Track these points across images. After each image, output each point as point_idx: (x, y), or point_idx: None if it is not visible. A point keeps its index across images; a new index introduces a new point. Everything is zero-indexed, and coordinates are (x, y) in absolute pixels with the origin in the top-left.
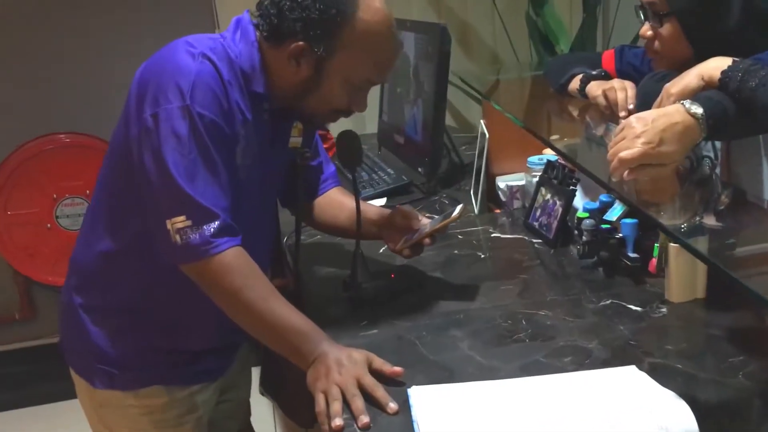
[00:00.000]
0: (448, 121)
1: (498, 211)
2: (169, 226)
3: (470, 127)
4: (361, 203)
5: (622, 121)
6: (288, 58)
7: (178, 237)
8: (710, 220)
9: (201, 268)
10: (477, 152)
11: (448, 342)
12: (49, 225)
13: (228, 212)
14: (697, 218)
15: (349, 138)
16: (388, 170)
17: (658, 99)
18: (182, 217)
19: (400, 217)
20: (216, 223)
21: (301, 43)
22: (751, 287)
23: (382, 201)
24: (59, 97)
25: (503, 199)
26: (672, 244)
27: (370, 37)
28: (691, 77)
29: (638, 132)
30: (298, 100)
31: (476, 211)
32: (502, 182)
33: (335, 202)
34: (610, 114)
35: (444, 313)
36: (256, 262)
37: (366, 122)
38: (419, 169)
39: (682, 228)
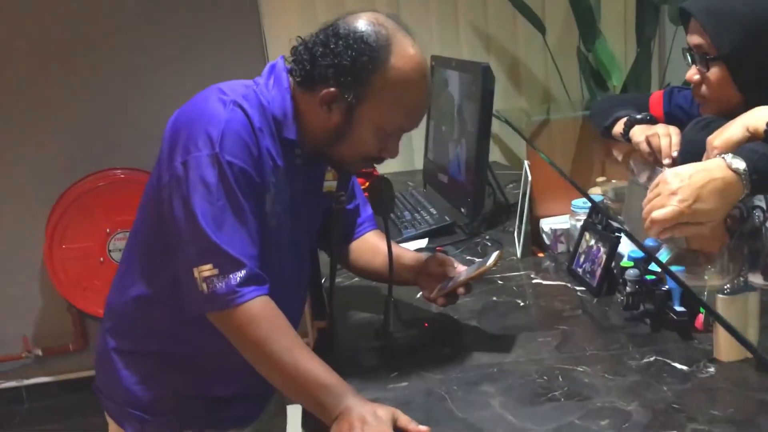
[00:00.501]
0: (496, 156)
1: (542, 254)
2: (196, 275)
3: (519, 162)
4: (398, 248)
5: (659, 175)
6: (319, 104)
7: (204, 285)
8: (757, 278)
9: (226, 317)
10: (521, 193)
11: (480, 398)
12: (102, 259)
13: (255, 261)
14: (741, 278)
15: (381, 185)
16: (431, 210)
17: (706, 152)
18: (209, 266)
19: (435, 264)
20: (243, 272)
21: (332, 89)
22: None
23: (424, 242)
24: (115, 133)
25: (547, 242)
26: (720, 296)
27: (402, 84)
28: (735, 128)
29: (673, 189)
30: (329, 146)
31: (519, 254)
32: (546, 225)
33: (371, 246)
34: (654, 160)
35: (477, 366)
36: (289, 309)
37: (414, 158)
38: (462, 210)
39: (726, 289)
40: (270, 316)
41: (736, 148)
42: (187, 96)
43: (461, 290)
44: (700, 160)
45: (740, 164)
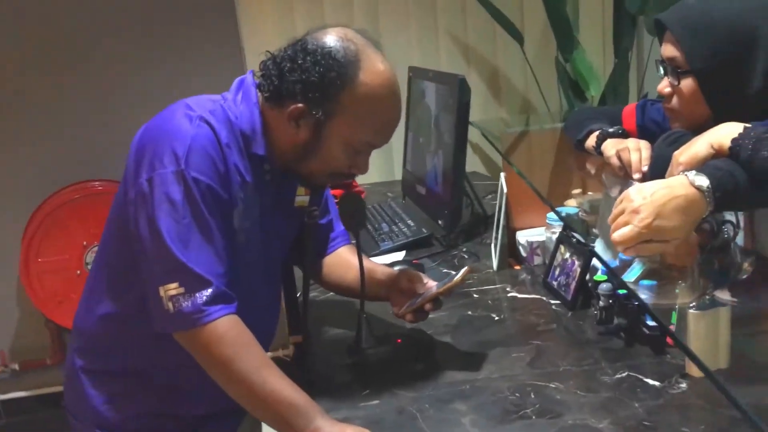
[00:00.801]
0: (476, 166)
1: (518, 267)
2: (162, 293)
3: (498, 172)
4: (370, 263)
5: (624, 192)
6: (287, 120)
7: (170, 304)
8: (724, 294)
9: (192, 336)
10: (497, 206)
11: (451, 417)
12: (78, 272)
13: (223, 278)
14: (707, 296)
15: (351, 201)
16: (409, 222)
17: (670, 167)
18: (175, 284)
19: (405, 280)
20: (209, 290)
21: (300, 105)
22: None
23: (401, 254)
24: (92, 145)
25: (524, 254)
26: (691, 311)
27: (371, 100)
28: (700, 145)
29: (635, 206)
30: (298, 162)
31: (495, 267)
32: (522, 237)
33: (343, 261)
34: (625, 175)
35: (450, 383)
36: (260, 326)
37: (394, 168)
38: (439, 222)
39: (693, 305)
40: (237, 334)
41: (701, 165)
42: (161, 105)
43: (429, 306)
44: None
45: (703, 181)
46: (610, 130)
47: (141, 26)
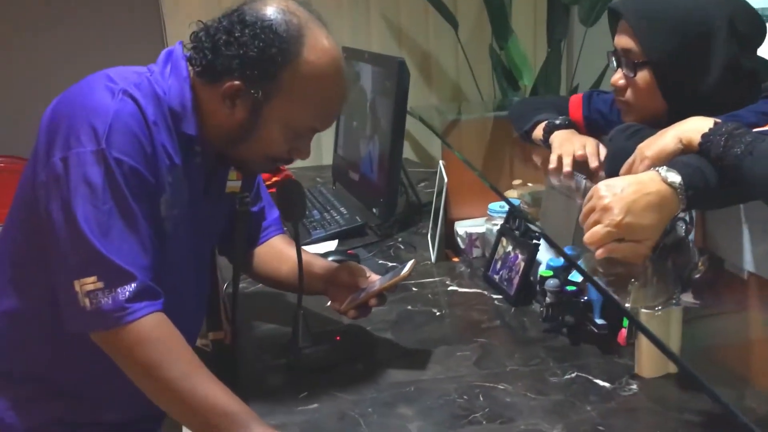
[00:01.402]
0: (408, 153)
1: (456, 259)
2: (77, 288)
3: (431, 160)
4: (307, 255)
5: (593, 187)
6: (222, 99)
7: (87, 301)
8: (687, 296)
9: (112, 337)
10: (435, 194)
11: (396, 422)
12: None
13: (148, 272)
14: (674, 300)
15: (290, 188)
16: (342, 209)
17: (630, 160)
18: (93, 278)
19: (346, 273)
20: (132, 285)
21: (236, 82)
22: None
23: (334, 243)
24: (21, 119)
25: (462, 246)
26: (644, 310)
27: (315, 81)
28: (667, 139)
29: (605, 203)
30: (232, 145)
31: (433, 258)
32: (461, 228)
33: (277, 252)
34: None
35: (393, 384)
36: (187, 322)
37: (323, 153)
38: (374, 210)
39: (657, 310)
40: (164, 335)
41: (668, 161)
42: (74, 76)
43: (373, 301)
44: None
45: (675, 177)
46: (557, 121)
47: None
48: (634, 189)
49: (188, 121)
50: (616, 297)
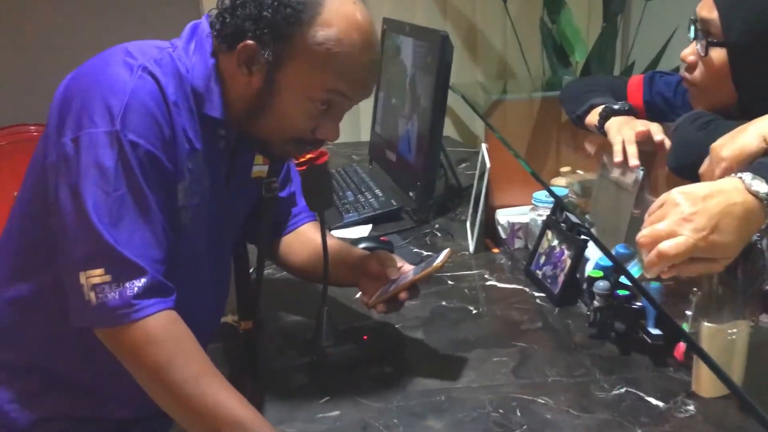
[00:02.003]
0: (449, 131)
1: (496, 250)
2: (82, 280)
3: (473, 139)
4: (336, 242)
5: (663, 194)
6: (238, 64)
7: (92, 295)
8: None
9: (118, 335)
10: (476, 178)
11: None
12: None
13: (160, 266)
14: (746, 316)
15: (316, 175)
16: (377, 191)
17: (706, 162)
18: (100, 271)
19: (376, 263)
20: (142, 279)
21: (250, 42)
22: None
23: (367, 228)
24: (28, 85)
25: (503, 236)
26: (706, 323)
27: (332, 44)
28: (748, 138)
29: (686, 214)
30: (251, 120)
31: (471, 249)
32: (502, 217)
33: (306, 240)
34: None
35: (422, 391)
36: (202, 318)
37: (361, 129)
38: (410, 194)
39: (722, 326)
40: (174, 335)
41: (749, 163)
42: (109, 46)
43: (404, 295)
44: (697, 165)
45: (762, 187)
46: (616, 106)
47: None
48: (718, 200)
49: (212, 102)
50: (665, 312)
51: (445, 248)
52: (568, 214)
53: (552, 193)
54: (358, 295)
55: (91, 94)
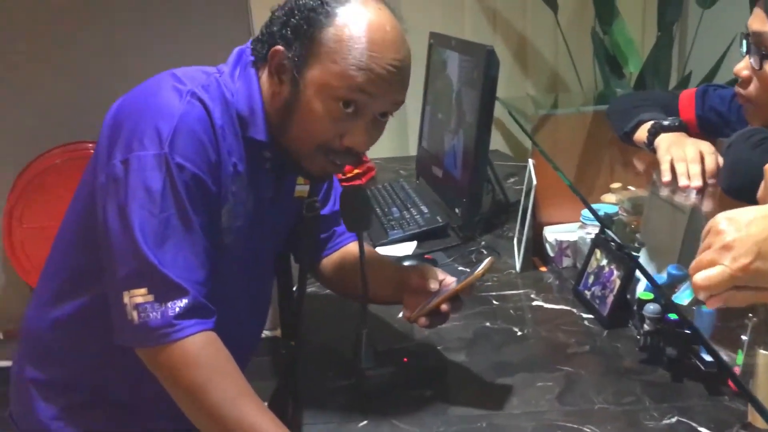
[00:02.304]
0: (497, 143)
1: (544, 269)
2: (126, 300)
3: (523, 152)
4: (377, 258)
5: (710, 220)
6: (270, 74)
7: (135, 314)
8: None
9: (158, 355)
10: (523, 195)
11: None
12: None
13: (202, 287)
14: None
15: (353, 197)
16: (422, 208)
17: (762, 186)
18: (143, 290)
19: (417, 276)
20: (184, 300)
21: (278, 48)
22: None
23: (412, 245)
24: (87, 103)
25: (551, 254)
26: (763, 351)
27: (351, 39)
28: None
29: (727, 241)
30: (284, 133)
31: (518, 267)
32: (550, 234)
33: (349, 260)
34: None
35: (463, 417)
36: (243, 337)
37: (409, 143)
38: (456, 210)
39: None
40: (213, 356)
41: None
42: (164, 65)
43: (445, 306)
44: (751, 185)
45: None
46: (665, 122)
47: None
48: (764, 225)
49: (257, 126)
50: (713, 346)
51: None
52: (610, 233)
53: (593, 212)
54: (400, 315)
55: (142, 117)
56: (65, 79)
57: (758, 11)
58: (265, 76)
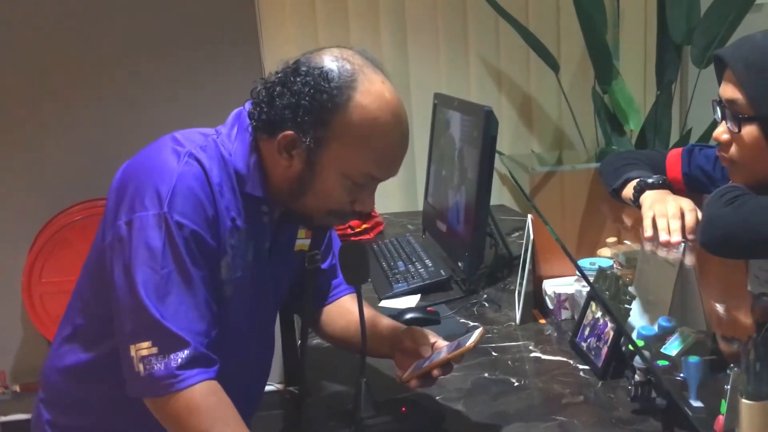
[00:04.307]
0: (504, 198)
1: (543, 321)
2: (132, 353)
3: (528, 207)
4: (374, 315)
5: None
6: (278, 151)
7: (141, 366)
8: None
9: (163, 404)
10: (523, 249)
11: None
12: None
13: (203, 338)
14: None
15: (352, 252)
16: (427, 261)
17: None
18: (147, 343)
19: (409, 339)
20: (186, 351)
21: (289, 132)
22: None
23: (416, 298)
24: (106, 160)
25: (550, 306)
26: (744, 400)
27: (368, 125)
28: None
29: None
30: (294, 199)
31: (518, 319)
32: (549, 287)
33: (346, 312)
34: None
35: None
36: (247, 387)
37: (418, 199)
38: (459, 264)
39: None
40: (215, 405)
41: None
42: (181, 121)
43: (437, 372)
44: (725, 240)
45: None
46: (650, 180)
47: (162, 44)
48: None
49: (253, 182)
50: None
51: (483, 325)
52: (611, 281)
53: (578, 268)
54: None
55: (143, 180)
56: (86, 136)
57: (728, 81)
58: (268, 144)
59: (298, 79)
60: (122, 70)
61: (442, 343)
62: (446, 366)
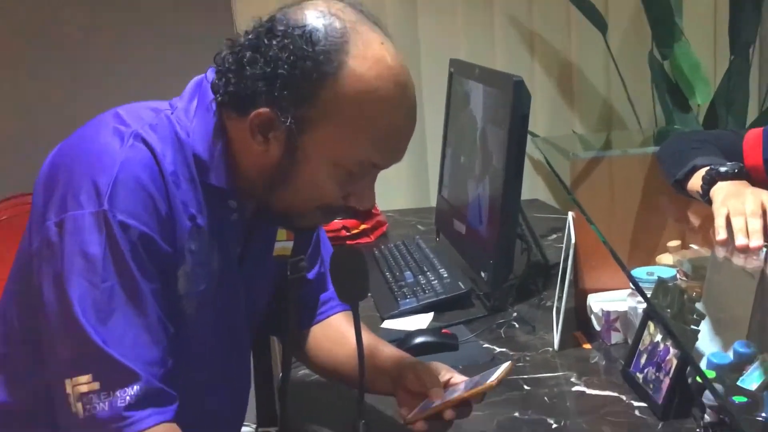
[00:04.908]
0: (539, 192)
1: (588, 346)
2: (69, 389)
3: (569, 203)
4: (373, 342)
5: None
6: (251, 134)
7: (80, 406)
8: None
9: None
10: (563, 255)
11: None
12: None
13: (157, 368)
14: None
15: (347, 260)
16: (441, 271)
17: None
18: (87, 377)
19: (412, 375)
20: (136, 386)
21: (264, 110)
22: None
23: (428, 317)
24: (38, 150)
25: (597, 327)
26: None
27: (365, 98)
28: None
29: None
30: (271, 193)
31: (556, 344)
32: (596, 303)
33: (337, 335)
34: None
35: None
36: (222, 423)
37: (430, 192)
38: (482, 274)
39: None
40: None
41: None
42: (130, 100)
43: (450, 414)
44: None
45: None
46: (723, 168)
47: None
48: None
49: (217, 170)
50: None
51: (506, 362)
52: (674, 297)
53: (632, 280)
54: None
55: (77, 169)
56: (7, 120)
57: None
58: (238, 124)
59: (275, 42)
60: (48, 26)
61: (458, 379)
62: (464, 407)
